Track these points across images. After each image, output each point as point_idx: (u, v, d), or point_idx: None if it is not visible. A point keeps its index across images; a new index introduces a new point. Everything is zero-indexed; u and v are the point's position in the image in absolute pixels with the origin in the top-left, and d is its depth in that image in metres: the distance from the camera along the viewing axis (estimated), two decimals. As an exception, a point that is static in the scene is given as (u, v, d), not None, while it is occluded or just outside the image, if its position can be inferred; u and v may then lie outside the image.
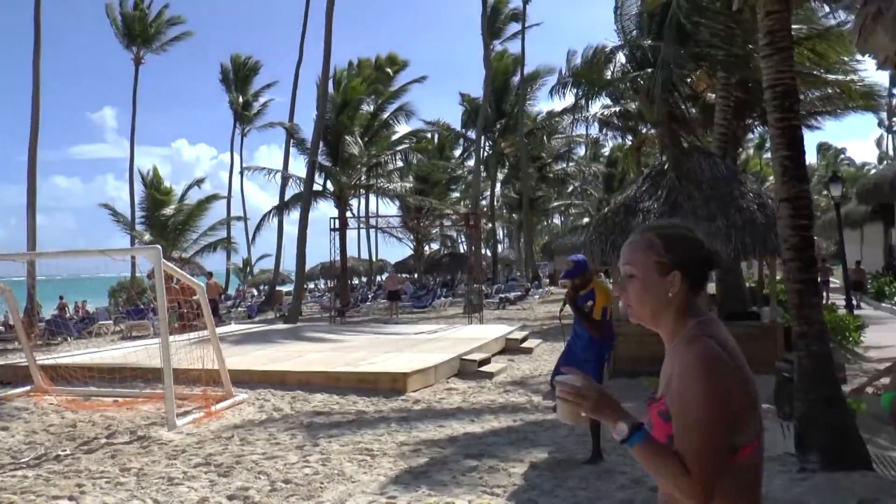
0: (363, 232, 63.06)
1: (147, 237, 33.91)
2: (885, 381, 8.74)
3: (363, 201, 54.21)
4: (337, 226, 28.22)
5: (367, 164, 34.96)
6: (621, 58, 25.05)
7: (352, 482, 7.03)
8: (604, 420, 1.99)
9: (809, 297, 6.92)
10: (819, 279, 7.44)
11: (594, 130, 35.19)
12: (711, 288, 17.36)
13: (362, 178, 36.20)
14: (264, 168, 35.38)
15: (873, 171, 50.45)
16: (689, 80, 18.77)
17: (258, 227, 38.83)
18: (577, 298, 7.55)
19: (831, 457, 6.54)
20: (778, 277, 14.94)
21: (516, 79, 47.22)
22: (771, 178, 36.35)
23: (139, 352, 14.37)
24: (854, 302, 23.56)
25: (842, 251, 26.19)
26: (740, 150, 25.49)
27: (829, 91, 20.90)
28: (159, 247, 10.53)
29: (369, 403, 11.06)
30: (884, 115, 52.47)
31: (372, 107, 37.19)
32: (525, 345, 17.03)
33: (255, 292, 50.19)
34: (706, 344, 1.94)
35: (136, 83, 50.65)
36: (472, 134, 47.41)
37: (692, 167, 13.70)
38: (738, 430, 1.91)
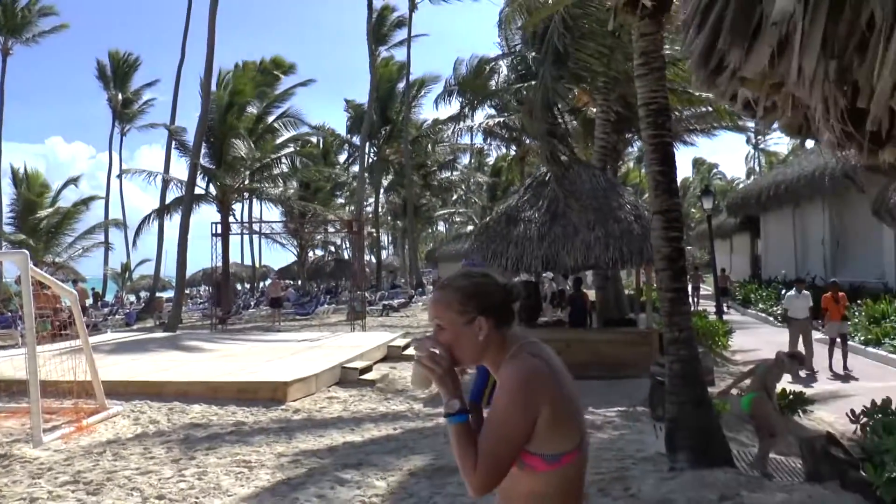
0: (246, 237, 61.68)
1: (15, 239, 32.13)
2: (748, 382, 9.23)
3: (246, 206, 53.12)
4: (219, 230, 27.51)
5: (251, 167, 34.29)
6: (504, 69, 25.58)
7: (228, 496, 6.88)
8: (443, 392, 2.19)
9: (680, 305, 7.26)
10: (691, 286, 7.81)
11: (479, 140, 35.72)
12: (593, 295, 17.92)
13: (246, 181, 35.48)
14: (145, 171, 34.16)
15: (742, 186, 53.25)
16: (569, 95, 19.32)
17: (138, 231, 37.40)
18: None
19: (698, 455, 6.87)
20: (654, 286, 15.58)
21: (402, 86, 47.28)
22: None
23: (3, 363, 13.61)
24: (724, 307, 24.77)
25: (713, 260, 27.54)
26: (620, 162, 26.42)
27: (703, 109, 21.94)
28: (26, 251, 10.05)
29: (249, 414, 10.85)
30: (751, 133, 55.37)
31: (257, 110, 36.53)
32: (408, 352, 17.08)
33: (134, 299, 48.30)
34: (526, 360, 2.15)
35: (3, 74, 47.96)
36: (357, 140, 47.20)
37: (573, 179, 14.12)
38: (557, 441, 2.12)
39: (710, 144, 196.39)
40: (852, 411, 6.75)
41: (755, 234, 35.92)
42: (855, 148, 1.85)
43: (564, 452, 2.13)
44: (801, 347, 13.78)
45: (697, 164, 73.22)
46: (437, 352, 2.20)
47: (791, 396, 10.42)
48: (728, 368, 14.72)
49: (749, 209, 32.51)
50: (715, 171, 74.69)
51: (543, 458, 2.10)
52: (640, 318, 14.75)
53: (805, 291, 15.21)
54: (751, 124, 28.82)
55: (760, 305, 26.30)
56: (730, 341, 17.78)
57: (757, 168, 68.06)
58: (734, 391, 9.48)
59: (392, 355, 16.61)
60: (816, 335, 15.31)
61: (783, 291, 16.14)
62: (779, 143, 69.09)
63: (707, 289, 34.02)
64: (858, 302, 18.23)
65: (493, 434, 2.09)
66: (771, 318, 23.96)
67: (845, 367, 14.25)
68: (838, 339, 14.57)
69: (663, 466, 7.07)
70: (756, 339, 19.48)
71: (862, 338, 16.92)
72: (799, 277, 16.32)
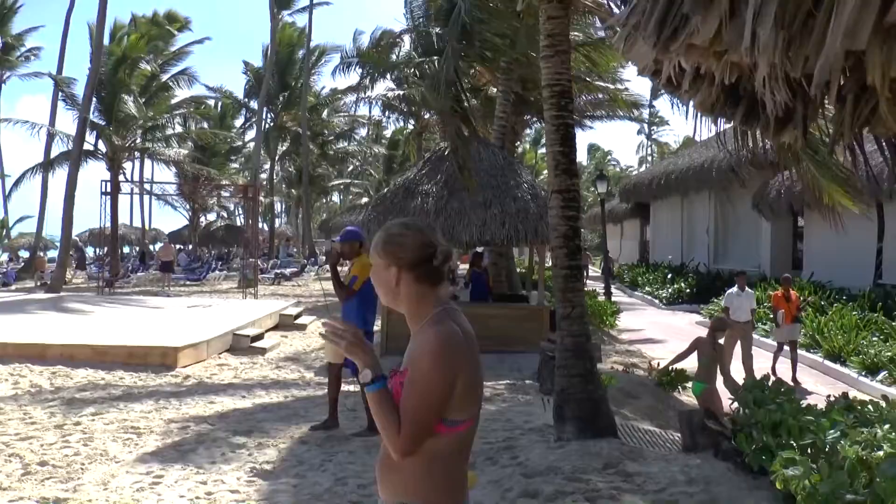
0: (136, 198, 59.50)
1: None
2: (679, 365, 9.77)
3: (138, 165, 51.17)
4: (108, 189, 26.46)
5: (143, 126, 33.09)
6: (407, 43, 25.51)
7: (115, 462, 6.71)
8: (356, 360, 2.25)
9: (574, 282, 7.50)
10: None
11: (377, 112, 35.53)
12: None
13: (138, 140, 34.22)
14: (28, 121, 32.47)
15: (634, 174, 54.95)
16: (472, 72, 19.47)
17: (16, 184, 35.63)
18: (337, 264, 7.80)
19: (584, 426, 7.14)
20: (547, 265, 15.96)
21: (302, 52, 46.39)
22: (544, 171, 38.49)
23: None
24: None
25: (604, 243, 28.40)
26: (518, 143, 26.82)
27: (601, 96, 22.50)
28: None
29: (137, 379, 10.59)
30: (644, 123, 57.11)
31: (151, 66, 35.19)
32: (299, 321, 17.00)
33: (13, 258, 45.93)
34: (448, 327, 2.23)
35: None
36: (254, 104, 46.13)
37: (471, 156, 14.27)
38: (461, 408, 2.21)
39: (605, 133, 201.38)
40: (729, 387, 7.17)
41: (645, 220, 37.21)
42: (760, 128, 1.98)
43: (463, 420, 2.23)
44: (737, 359, 11.56)
45: (593, 150, 74.96)
46: (340, 326, 2.28)
47: (672, 373, 10.91)
48: (615, 346, 15.30)
49: (640, 196, 33.64)
50: (609, 157, 76.71)
51: (444, 422, 2.19)
52: (532, 295, 15.11)
53: (749, 289, 12.75)
54: (645, 114, 29.71)
55: (647, 288, 27.37)
56: (617, 321, 18.47)
57: (649, 158, 70.30)
58: (619, 367, 9.94)
59: (284, 324, 16.48)
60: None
61: (727, 291, 12.83)
62: (669, 134, 71.62)
63: (595, 270, 35.06)
64: (811, 299, 16.37)
65: (416, 398, 2.16)
66: (656, 301, 24.99)
67: (794, 379, 11.99)
68: (787, 347, 12.57)
69: (550, 437, 7.31)
70: (642, 320, 20.30)
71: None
72: (741, 271, 13.29)
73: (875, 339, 13.18)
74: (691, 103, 2.05)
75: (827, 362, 13.29)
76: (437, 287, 2.33)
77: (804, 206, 20.90)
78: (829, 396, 6.87)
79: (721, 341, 8.77)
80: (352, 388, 8.98)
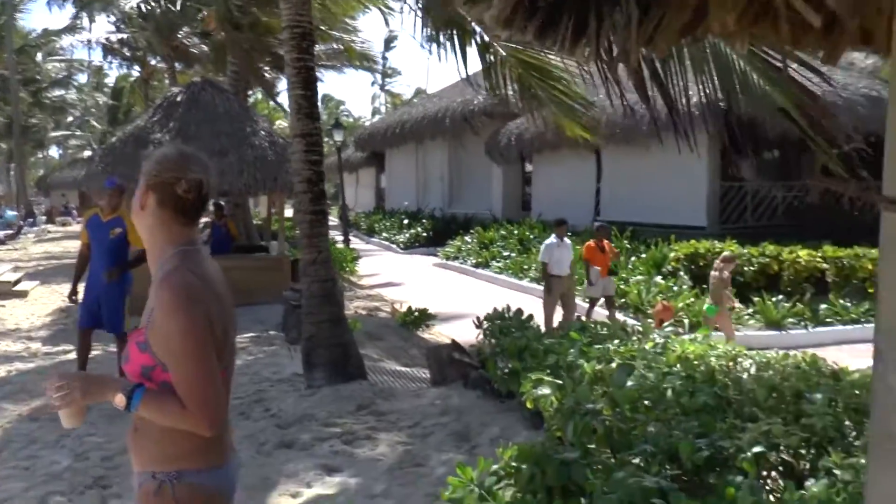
0: None
1: None
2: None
3: None
4: None
5: None
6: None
7: None
8: (103, 400, 2.02)
9: (319, 227, 7.43)
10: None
11: (98, 57, 32.76)
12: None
13: None
14: None
15: (369, 123, 55.47)
16: (199, 17, 18.54)
17: None
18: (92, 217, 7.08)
19: (335, 372, 7.17)
20: (287, 214, 15.73)
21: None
22: (279, 121, 37.62)
23: None
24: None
25: (341, 192, 28.51)
26: (251, 91, 26.00)
27: (335, 47, 22.32)
28: None
29: None
30: (378, 75, 57.82)
31: None
32: (19, 288, 15.38)
33: None
34: (182, 275, 2.02)
35: None
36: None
37: (206, 101, 13.60)
38: (219, 356, 2.05)
39: (337, 84, 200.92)
40: (477, 318, 7.48)
41: (381, 169, 37.76)
42: (556, 43, 1.99)
43: (222, 368, 2.08)
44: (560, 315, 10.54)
45: (326, 100, 74.61)
46: (58, 384, 2.01)
47: (416, 314, 11.23)
48: (356, 292, 15.46)
49: (376, 145, 34.04)
50: (342, 108, 76.81)
51: None
52: (272, 245, 14.81)
53: (567, 239, 10.99)
54: (378, 64, 29.88)
55: (384, 234, 27.97)
56: (357, 267, 18.70)
57: (382, 109, 71.30)
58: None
59: (1, 291, 14.83)
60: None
61: (547, 240, 11.02)
62: (402, 85, 72.92)
63: (333, 219, 35.10)
64: (629, 247, 16.01)
65: (187, 366, 1.98)
66: (394, 246, 25.62)
67: None
68: (603, 301, 11.38)
69: (301, 386, 7.27)
70: (381, 265, 20.70)
71: (473, 261, 18.93)
72: (560, 219, 11.18)
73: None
74: (487, 16, 2.00)
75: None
76: (182, 222, 2.11)
77: (533, 152, 22.40)
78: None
79: (726, 274, 9.54)
80: (98, 351, 8.32)
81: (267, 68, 22.56)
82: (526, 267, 16.51)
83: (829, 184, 1.86)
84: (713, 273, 9.71)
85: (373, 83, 72.63)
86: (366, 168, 39.82)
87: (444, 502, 3.96)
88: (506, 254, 18.45)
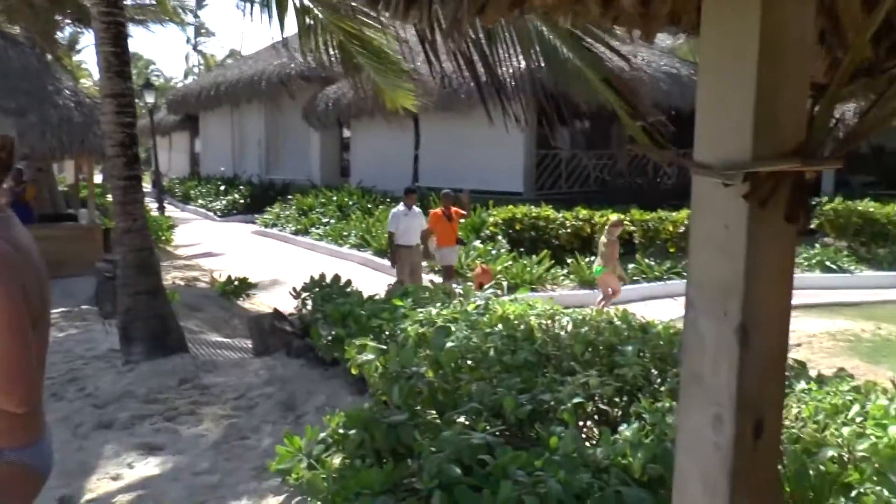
0: None
1: None
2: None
3: None
4: None
5: None
6: None
7: None
8: None
9: (133, 193, 7.06)
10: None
11: None
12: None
13: None
14: None
15: (181, 84, 52.92)
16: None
17: None
18: None
19: (154, 345, 6.90)
20: (97, 180, 14.82)
21: None
22: (83, 79, 35.13)
23: None
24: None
25: (154, 156, 27.18)
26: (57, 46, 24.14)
27: (145, 2, 21.14)
28: None
29: None
30: (191, 33, 55.17)
31: None
32: None
33: None
34: None
35: None
36: None
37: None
38: (34, 329, 1.95)
39: (146, 42, 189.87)
40: (294, 288, 7.40)
41: (195, 133, 36.28)
42: (392, 3, 1.98)
43: (37, 340, 1.99)
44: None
45: (135, 59, 70.49)
46: None
47: (237, 283, 10.99)
48: (173, 262, 14.88)
49: (189, 107, 32.63)
50: (152, 68, 72.87)
51: None
52: (81, 214, 13.93)
53: (416, 208, 10.62)
54: (190, 22, 28.57)
55: (200, 201, 26.98)
56: (173, 236, 18.00)
57: (196, 69, 68.27)
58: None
59: None
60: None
61: (396, 211, 10.56)
62: (216, 46, 70.17)
63: (146, 185, 33.45)
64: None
65: (1, 339, 1.85)
66: (211, 214, 24.80)
67: None
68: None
69: (118, 362, 6.92)
70: (198, 234, 20.01)
71: (292, 228, 18.69)
72: (410, 188, 11.03)
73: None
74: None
75: (376, 258, 14.46)
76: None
77: (350, 117, 22.28)
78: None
79: (615, 236, 10.27)
80: None
81: (69, 21, 21.05)
82: (346, 234, 16.53)
83: (647, 151, 2.01)
84: (602, 238, 10.41)
85: (187, 41, 69.39)
86: (179, 132, 38.15)
87: (272, 474, 3.95)
88: (325, 220, 18.39)
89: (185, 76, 69.51)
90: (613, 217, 11.69)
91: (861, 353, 8.69)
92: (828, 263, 12.96)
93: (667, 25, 1.89)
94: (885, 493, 2.94)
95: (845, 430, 3.31)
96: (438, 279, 10.74)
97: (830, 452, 3.10)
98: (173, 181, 33.13)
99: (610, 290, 10.26)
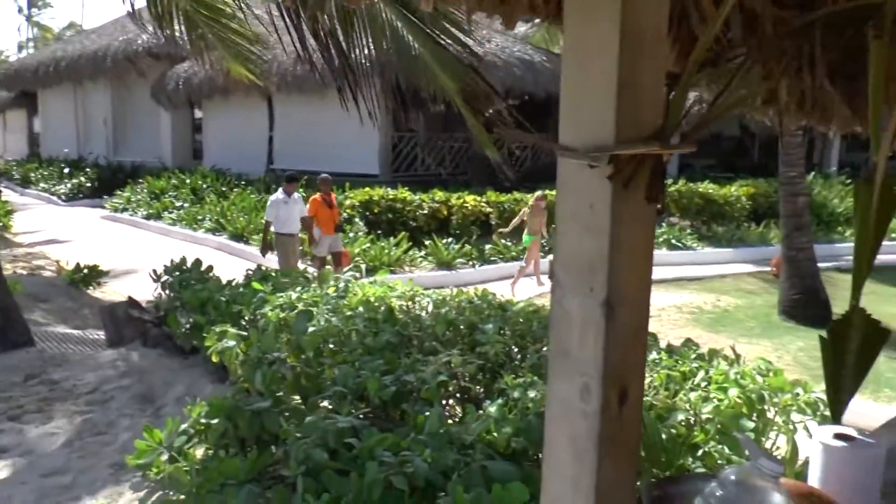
0: None
1: None
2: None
3: None
4: None
5: None
6: None
7: None
8: None
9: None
10: None
11: None
12: None
13: None
14: None
15: (15, 59, 49.50)
16: None
17: None
18: None
19: (-5, 340, 6.51)
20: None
21: None
22: None
23: None
24: None
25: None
26: None
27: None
28: None
29: None
30: (23, 2, 51.63)
31: None
32: None
33: None
34: None
35: None
36: None
37: None
38: None
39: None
40: (154, 270, 7.12)
41: (33, 111, 34.08)
42: None
43: None
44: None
45: (-40, 29, 65.35)
46: None
47: (86, 271, 10.48)
48: (13, 251, 14.01)
49: (25, 84, 30.59)
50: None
51: None
52: None
53: (297, 195, 10.45)
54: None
55: (42, 185, 25.43)
56: (12, 222, 16.93)
57: (31, 44, 64.02)
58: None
59: None
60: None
61: (275, 199, 10.26)
62: (53, 18, 65.93)
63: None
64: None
65: None
66: (55, 198, 23.43)
67: None
68: (329, 258, 10.45)
69: (-47, 358, 6.50)
70: (42, 220, 18.90)
71: (144, 213, 17.94)
72: (291, 175, 10.69)
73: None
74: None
75: (232, 242, 14.13)
76: None
77: (202, 97, 21.53)
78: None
79: (542, 207, 11.23)
80: None
81: None
82: (200, 218, 16.04)
83: (513, 134, 2.08)
84: (525, 210, 11.48)
85: (19, 11, 64.82)
86: (15, 110, 35.73)
87: (131, 470, 3.84)
88: (178, 204, 17.77)
89: (20, 49, 65.14)
90: (538, 193, 12.01)
91: (703, 324, 9.34)
92: (674, 241, 13.85)
93: (527, 13, 1.96)
94: (726, 450, 3.19)
95: (692, 395, 3.56)
96: (312, 269, 9.87)
97: (680, 416, 3.33)
98: (10, 163, 31.03)
99: (532, 261, 11.23)
